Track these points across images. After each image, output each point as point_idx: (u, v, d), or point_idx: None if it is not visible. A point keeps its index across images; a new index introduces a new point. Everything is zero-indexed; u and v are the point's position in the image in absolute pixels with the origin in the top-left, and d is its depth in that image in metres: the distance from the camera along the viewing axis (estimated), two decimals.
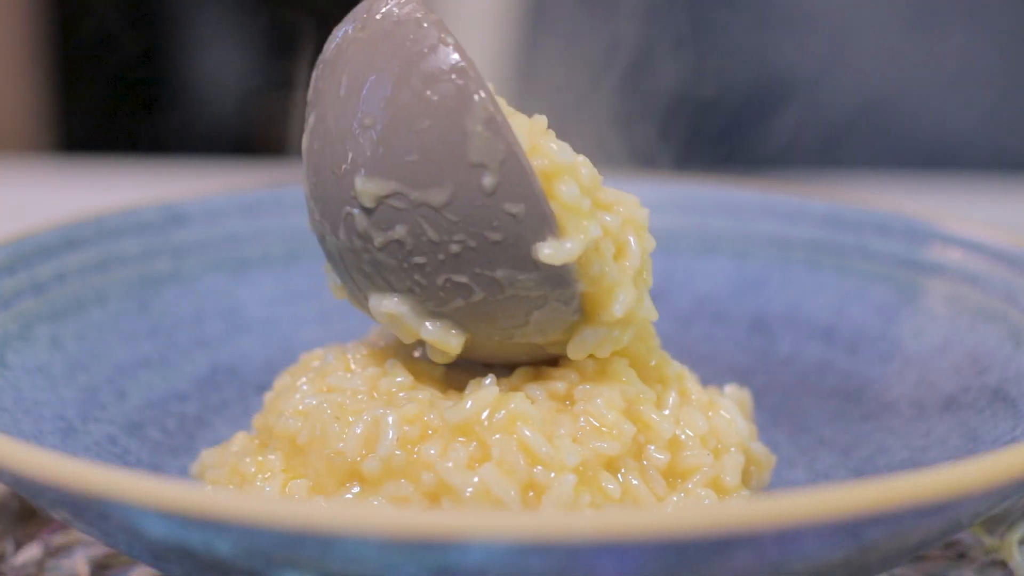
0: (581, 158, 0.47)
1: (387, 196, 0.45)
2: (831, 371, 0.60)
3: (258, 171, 1.12)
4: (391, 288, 0.47)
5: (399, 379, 0.48)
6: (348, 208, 0.46)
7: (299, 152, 0.49)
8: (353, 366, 0.50)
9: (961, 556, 0.51)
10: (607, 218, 0.47)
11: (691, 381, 0.51)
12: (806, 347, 0.61)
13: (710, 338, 0.62)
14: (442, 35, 0.45)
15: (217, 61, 2.04)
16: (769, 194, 0.65)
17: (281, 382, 0.52)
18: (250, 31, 2.05)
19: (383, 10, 0.46)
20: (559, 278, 0.46)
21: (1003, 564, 0.51)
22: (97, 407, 0.54)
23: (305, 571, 0.36)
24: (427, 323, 0.47)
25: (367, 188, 0.45)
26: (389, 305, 0.47)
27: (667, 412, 0.48)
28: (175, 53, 2.04)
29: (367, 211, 0.45)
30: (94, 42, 2.00)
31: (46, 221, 0.58)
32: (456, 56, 0.45)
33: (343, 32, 0.47)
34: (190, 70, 2.04)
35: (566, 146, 0.47)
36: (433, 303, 0.46)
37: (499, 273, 0.46)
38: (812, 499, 0.35)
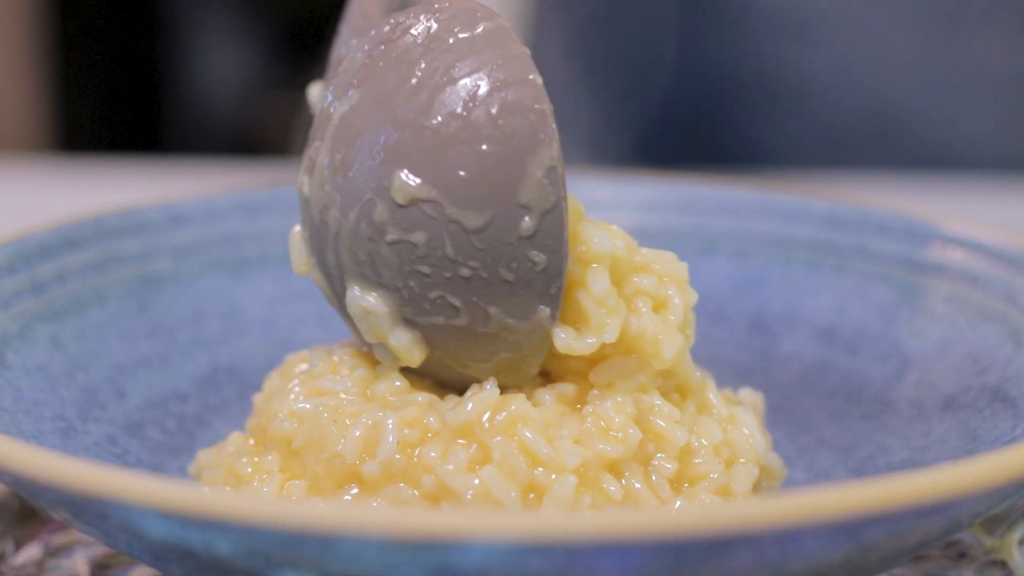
0: (615, 228, 0.48)
1: (423, 200, 0.45)
2: (831, 371, 0.60)
3: (258, 171, 1.12)
4: (379, 283, 0.46)
5: (397, 383, 0.48)
6: (373, 195, 0.45)
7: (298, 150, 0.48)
8: (343, 369, 0.49)
9: (961, 556, 0.51)
10: (639, 280, 0.48)
11: (713, 391, 0.51)
12: (806, 347, 0.61)
13: (710, 338, 0.62)
14: (531, 71, 0.45)
15: (217, 61, 2.04)
16: (769, 194, 0.65)
17: (270, 384, 0.52)
18: (251, 31, 2.05)
19: (475, 19, 0.46)
20: (543, 333, 0.46)
21: (1003, 564, 0.51)
22: (97, 407, 0.54)
23: (305, 571, 0.36)
24: (398, 329, 0.47)
25: (406, 186, 0.45)
26: (369, 301, 0.46)
27: (681, 423, 0.48)
28: (175, 53, 2.04)
29: (396, 206, 0.45)
30: (94, 42, 2.00)
31: (46, 221, 0.58)
32: (540, 97, 0.45)
33: (418, 22, 0.46)
34: (190, 70, 2.04)
35: (603, 234, 0.47)
36: (412, 311, 0.46)
37: (493, 309, 0.46)
38: (812, 499, 0.35)
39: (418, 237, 0.45)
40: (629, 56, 1.20)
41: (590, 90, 1.23)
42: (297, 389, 0.49)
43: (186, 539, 0.37)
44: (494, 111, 0.44)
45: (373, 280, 0.46)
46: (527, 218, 0.45)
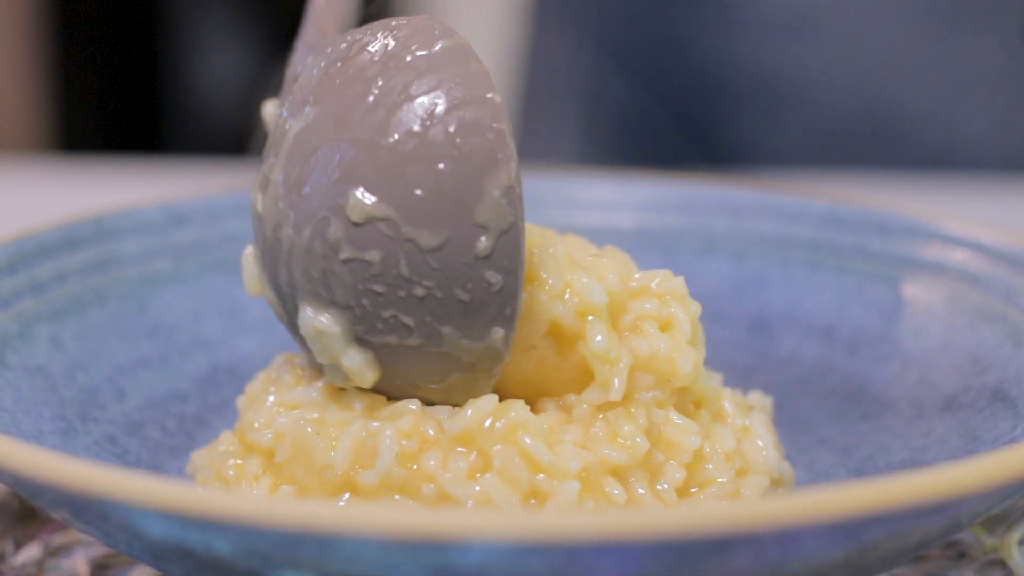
0: (606, 261, 0.48)
1: (378, 219, 0.44)
2: (831, 371, 0.60)
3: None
4: (331, 301, 0.45)
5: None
6: (328, 213, 0.45)
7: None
8: (311, 379, 0.49)
9: (961, 556, 0.51)
10: (639, 304, 0.48)
11: (729, 400, 0.51)
12: (806, 347, 0.61)
13: (710, 338, 0.62)
14: (490, 90, 0.44)
15: (217, 61, 2.04)
16: (769, 194, 0.65)
17: (252, 388, 0.51)
18: (251, 31, 2.05)
19: (433, 37, 0.45)
20: (497, 354, 0.46)
21: (1003, 564, 0.51)
22: (97, 407, 0.54)
23: (305, 571, 0.36)
24: (350, 350, 0.46)
25: (361, 204, 0.44)
26: (322, 322, 0.46)
27: (695, 435, 0.48)
28: (175, 53, 2.04)
29: (350, 224, 0.44)
30: (94, 42, 2.00)
31: (46, 221, 0.58)
32: (498, 116, 0.44)
33: (375, 39, 0.46)
34: (190, 70, 2.04)
35: (595, 283, 0.47)
36: (365, 330, 0.46)
37: (446, 329, 0.45)
38: (812, 499, 0.35)
39: (372, 255, 0.44)
40: (628, 56, 1.20)
41: (589, 90, 1.22)
42: (271, 400, 0.49)
43: (186, 539, 0.37)
44: (452, 129, 0.44)
45: (325, 298, 0.46)
46: (483, 238, 0.44)
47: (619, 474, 0.46)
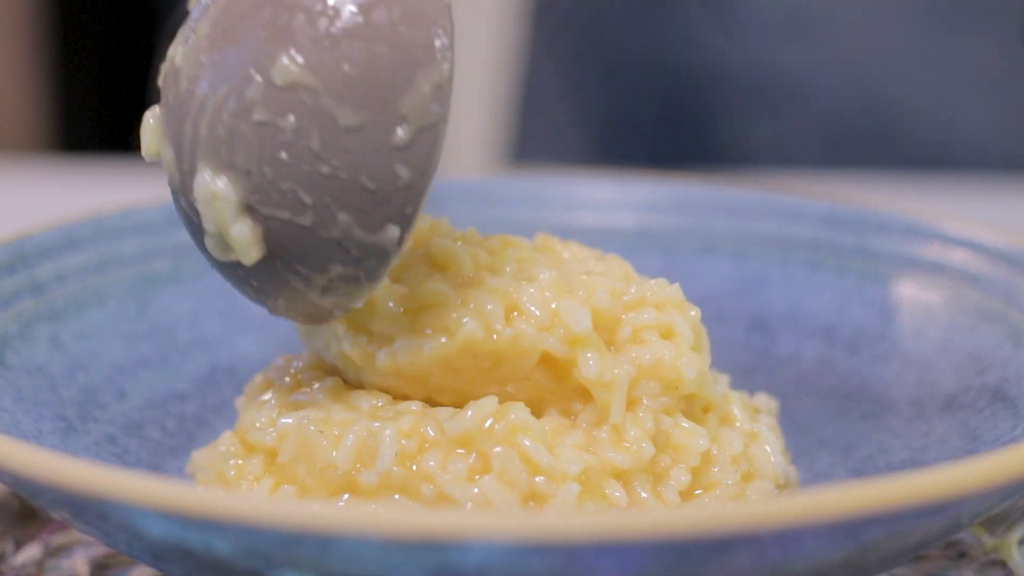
0: (594, 279, 0.47)
1: (302, 86, 0.43)
2: (831, 371, 0.60)
3: None
4: (231, 163, 0.44)
5: (379, 401, 0.48)
6: (252, 71, 0.44)
7: None
8: (311, 382, 0.49)
9: (961, 556, 0.51)
10: (637, 316, 0.48)
11: (737, 404, 0.50)
12: (806, 347, 0.61)
13: (710, 338, 0.62)
14: None
15: None
16: (769, 194, 0.65)
17: (251, 388, 0.51)
18: None
19: None
20: (385, 255, 0.45)
21: (1003, 564, 0.51)
22: (97, 407, 0.54)
23: (305, 571, 0.36)
24: (239, 221, 0.44)
25: (287, 68, 0.43)
26: (218, 186, 0.44)
27: (702, 438, 0.48)
28: None
29: (272, 86, 0.43)
30: (93, 42, 2.00)
31: (46, 221, 0.58)
32: (446, 13, 0.44)
33: None
34: None
35: (581, 310, 0.46)
36: (259, 199, 0.44)
37: (342, 215, 0.44)
38: (812, 499, 0.35)
39: (286, 122, 0.43)
40: (627, 56, 1.20)
41: (589, 90, 1.22)
42: (272, 402, 0.49)
43: (186, 539, 0.37)
44: (396, 15, 0.43)
45: (226, 160, 0.44)
46: (403, 129, 0.43)
47: (622, 477, 0.46)
